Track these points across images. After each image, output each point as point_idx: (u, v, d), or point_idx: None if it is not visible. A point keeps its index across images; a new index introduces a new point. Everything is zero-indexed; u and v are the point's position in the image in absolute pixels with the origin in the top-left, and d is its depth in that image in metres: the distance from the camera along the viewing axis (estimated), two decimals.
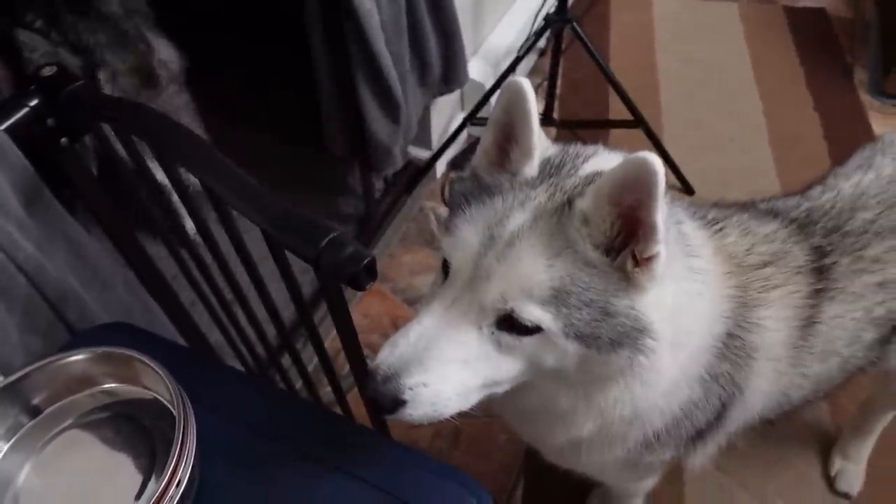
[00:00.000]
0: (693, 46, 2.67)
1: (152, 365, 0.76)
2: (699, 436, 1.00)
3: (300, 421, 0.89)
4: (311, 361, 1.34)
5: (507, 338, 0.70)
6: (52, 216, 1.04)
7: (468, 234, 0.71)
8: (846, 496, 1.49)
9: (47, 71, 0.99)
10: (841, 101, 2.43)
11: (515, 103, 0.72)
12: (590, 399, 0.80)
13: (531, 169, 0.74)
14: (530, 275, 0.67)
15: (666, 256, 0.68)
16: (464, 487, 0.79)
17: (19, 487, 0.75)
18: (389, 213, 2.10)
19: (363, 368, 1.02)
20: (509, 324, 0.70)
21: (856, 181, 1.04)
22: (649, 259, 0.68)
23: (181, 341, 1.35)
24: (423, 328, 0.71)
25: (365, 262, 0.71)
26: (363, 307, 1.89)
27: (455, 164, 2.24)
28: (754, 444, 1.56)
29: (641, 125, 2.07)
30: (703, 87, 2.51)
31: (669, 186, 2.23)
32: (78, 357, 0.79)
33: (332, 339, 1.10)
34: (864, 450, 1.51)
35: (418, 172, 2.15)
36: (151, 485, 0.73)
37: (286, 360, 1.24)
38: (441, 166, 2.20)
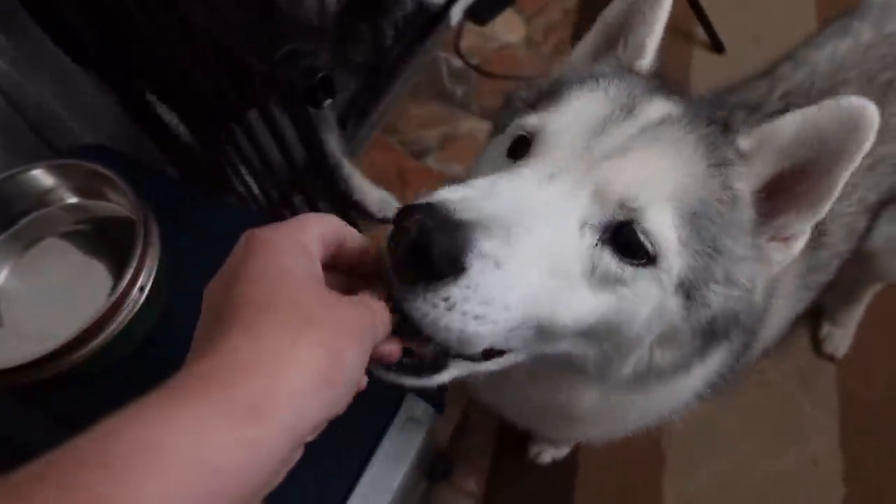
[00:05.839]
0: None
1: (113, 177, 0.77)
2: None
3: None
4: None
5: (607, 259, 0.50)
6: (31, 39, 1.02)
7: (589, 101, 0.55)
8: (830, 358, 1.50)
9: None
10: None
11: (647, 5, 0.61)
12: (612, 404, 0.69)
13: (645, 65, 0.63)
14: (687, 172, 0.51)
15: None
16: None
17: None
18: (400, 63, 2.03)
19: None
20: (617, 240, 0.51)
21: (831, 51, 0.92)
22: (792, 236, 0.56)
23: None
24: (517, 188, 0.48)
25: (319, 76, 0.68)
26: (369, 158, 1.88)
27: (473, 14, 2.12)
28: None
29: None
30: None
31: (699, 43, 2.12)
32: (42, 169, 0.81)
33: None
34: (851, 316, 1.50)
35: (431, 19, 2.05)
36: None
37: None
38: (456, 13, 2.09)
